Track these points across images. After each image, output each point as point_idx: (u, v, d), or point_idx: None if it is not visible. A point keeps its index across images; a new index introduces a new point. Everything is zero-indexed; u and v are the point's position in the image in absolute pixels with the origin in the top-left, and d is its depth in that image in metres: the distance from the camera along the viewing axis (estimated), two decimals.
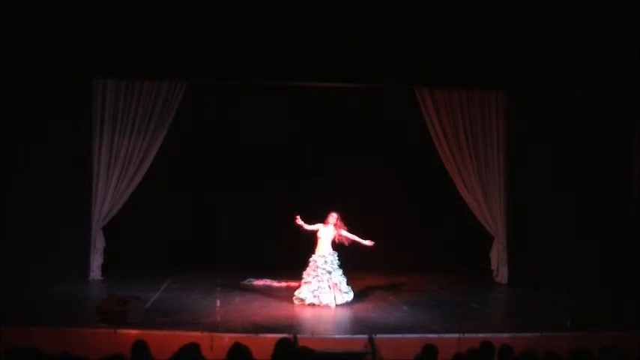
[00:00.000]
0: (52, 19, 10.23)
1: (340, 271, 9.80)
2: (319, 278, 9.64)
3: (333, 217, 9.82)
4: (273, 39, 10.60)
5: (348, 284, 9.85)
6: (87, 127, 11.26)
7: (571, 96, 10.83)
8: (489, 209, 12.09)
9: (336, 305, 9.57)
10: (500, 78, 11.42)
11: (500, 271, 12.13)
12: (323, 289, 9.60)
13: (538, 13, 10.46)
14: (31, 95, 10.26)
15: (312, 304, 9.58)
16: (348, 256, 10.20)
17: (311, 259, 9.85)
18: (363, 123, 12.69)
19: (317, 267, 9.70)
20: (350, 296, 9.80)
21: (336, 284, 9.65)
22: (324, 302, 9.56)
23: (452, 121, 11.97)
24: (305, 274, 9.80)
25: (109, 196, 11.41)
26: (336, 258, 9.83)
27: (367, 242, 9.80)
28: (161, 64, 10.81)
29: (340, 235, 9.81)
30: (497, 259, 12.17)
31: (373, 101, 12.35)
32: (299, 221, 9.67)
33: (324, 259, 9.73)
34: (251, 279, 11.41)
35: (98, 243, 11.43)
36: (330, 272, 9.67)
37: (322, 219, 9.89)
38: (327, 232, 9.79)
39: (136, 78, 11.26)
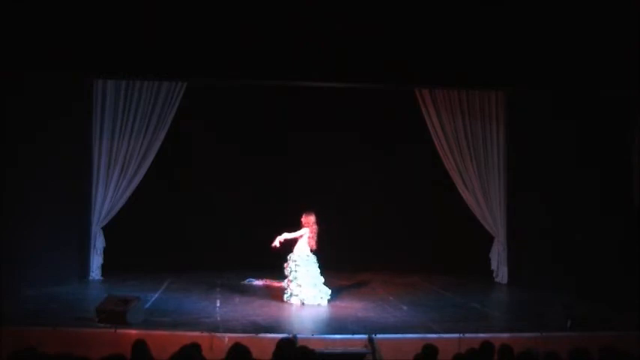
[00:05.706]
0: (52, 19, 10.20)
1: (312, 271, 9.89)
2: (295, 276, 9.85)
3: (309, 218, 10.00)
4: (273, 39, 10.57)
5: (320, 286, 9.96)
6: (87, 127, 11.26)
7: (571, 96, 10.82)
8: (489, 209, 12.10)
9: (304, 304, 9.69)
10: (500, 78, 11.40)
11: (500, 271, 12.14)
12: (302, 288, 9.78)
13: (538, 13, 10.44)
14: (31, 95, 10.24)
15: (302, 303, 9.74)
16: (348, 256, 10.20)
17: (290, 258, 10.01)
18: (363, 123, 12.67)
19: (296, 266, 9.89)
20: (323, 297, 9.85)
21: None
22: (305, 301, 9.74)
23: (452, 121, 11.97)
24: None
25: (109, 196, 11.42)
26: (314, 258, 9.96)
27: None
28: (161, 64, 10.78)
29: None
30: (497, 259, 12.18)
31: (373, 101, 12.33)
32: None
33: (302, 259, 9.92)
34: (251, 279, 11.43)
35: (98, 243, 11.44)
36: (297, 271, 9.83)
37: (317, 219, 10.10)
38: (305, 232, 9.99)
39: (136, 78, 11.26)
